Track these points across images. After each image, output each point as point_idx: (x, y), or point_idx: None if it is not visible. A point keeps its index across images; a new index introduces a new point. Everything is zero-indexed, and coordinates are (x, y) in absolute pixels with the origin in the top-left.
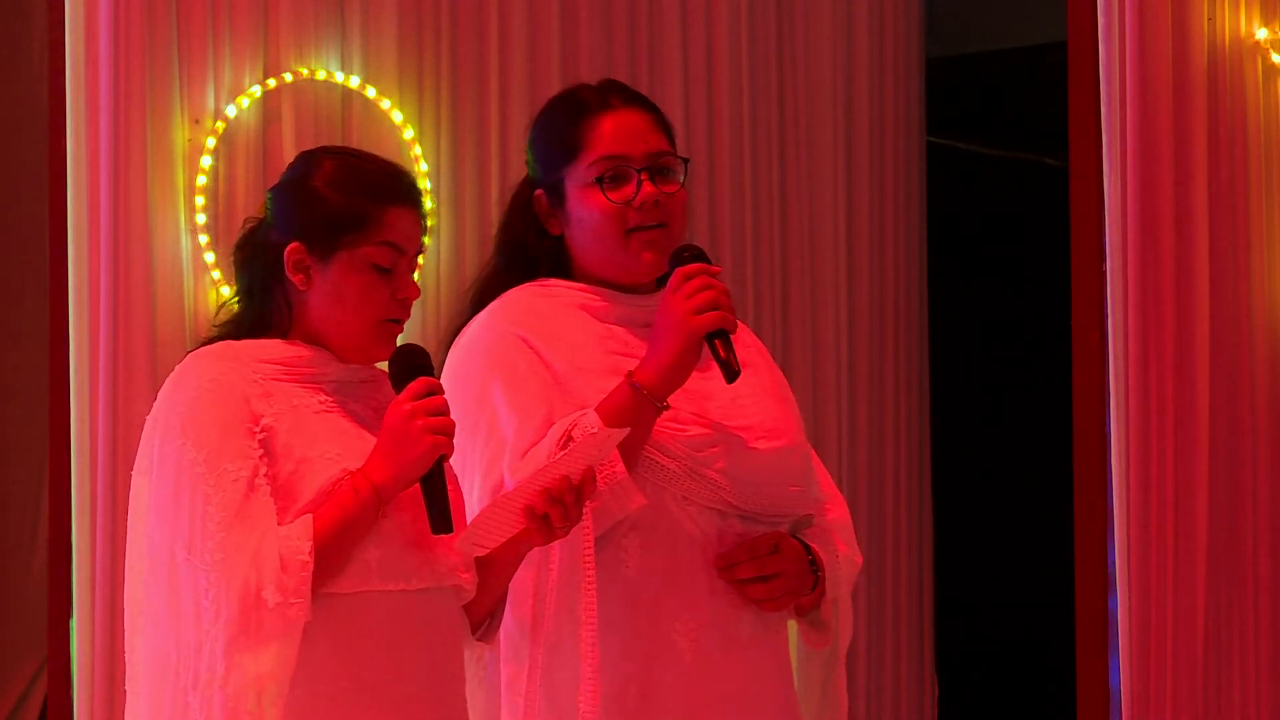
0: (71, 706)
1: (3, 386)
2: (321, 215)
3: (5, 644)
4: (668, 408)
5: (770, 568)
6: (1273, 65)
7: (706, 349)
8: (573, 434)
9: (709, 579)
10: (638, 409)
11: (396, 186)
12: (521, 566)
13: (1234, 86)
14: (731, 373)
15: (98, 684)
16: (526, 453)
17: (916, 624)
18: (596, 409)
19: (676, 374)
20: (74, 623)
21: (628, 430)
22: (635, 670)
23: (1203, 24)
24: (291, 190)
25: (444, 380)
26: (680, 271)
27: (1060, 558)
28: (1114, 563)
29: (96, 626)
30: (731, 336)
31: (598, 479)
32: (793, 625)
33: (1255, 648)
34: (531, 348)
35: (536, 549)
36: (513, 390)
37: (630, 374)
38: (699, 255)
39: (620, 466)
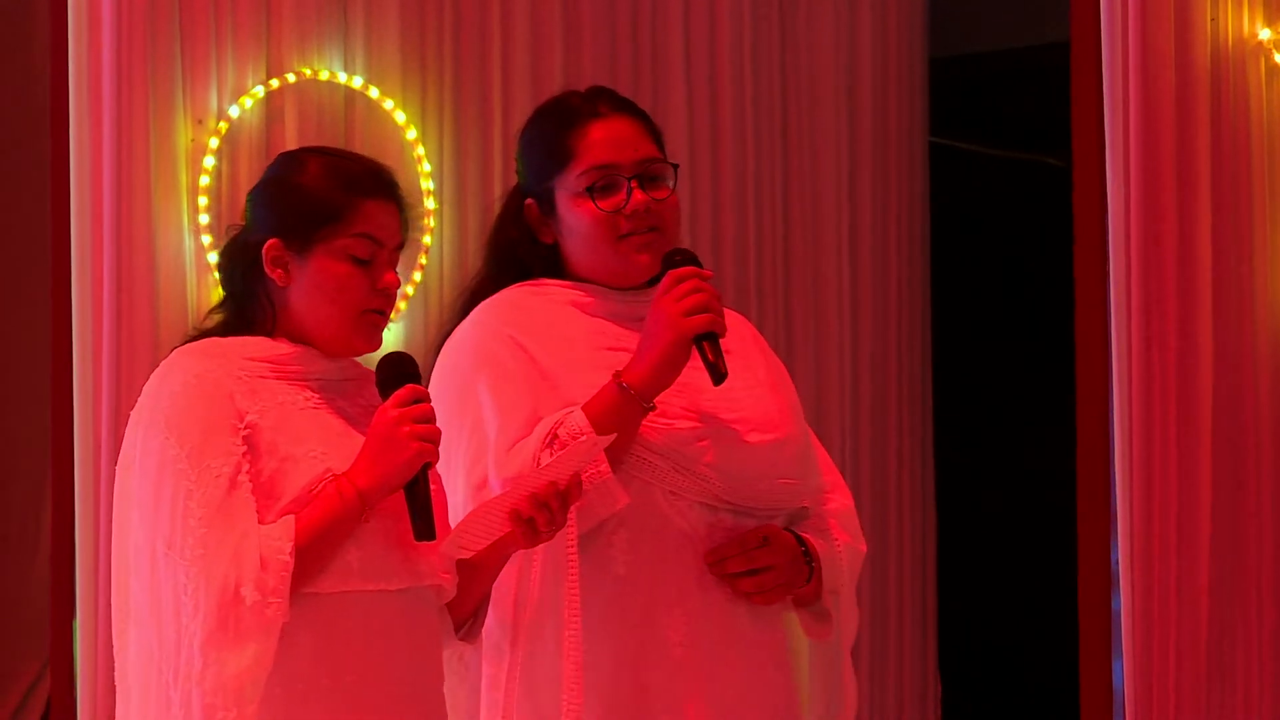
0: (74, 707)
1: (6, 387)
2: (297, 210)
3: (8, 644)
4: (654, 408)
5: (760, 561)
6: (1275, 65)
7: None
8: (558, 432)
9: (699, 574)
10: (625, 409)
11: (372, 180)
12: None
13: (1237, 86)
14: (719, 375)
15: (100, 684)
16: (511, 449)
17: (919, 623)
18: (584, 408)
19: (664, 374)
20: (77, 623)
21: (614, 436)
22: (627, 668)
23: (1205, 24)
24: (268, 189)
25: (433, 379)
26: (672, 274)
27: (1064, 557)
28: (1117, 562)
29: (99, 626)
30: (720, 339)
31: (582, 478)
32: (794, 618)
33: (1259, 648)
34: (519, 345)
35: None
36: (498, 387)
37: (618, 374)
38: (691, 259)
39: (605, 466)
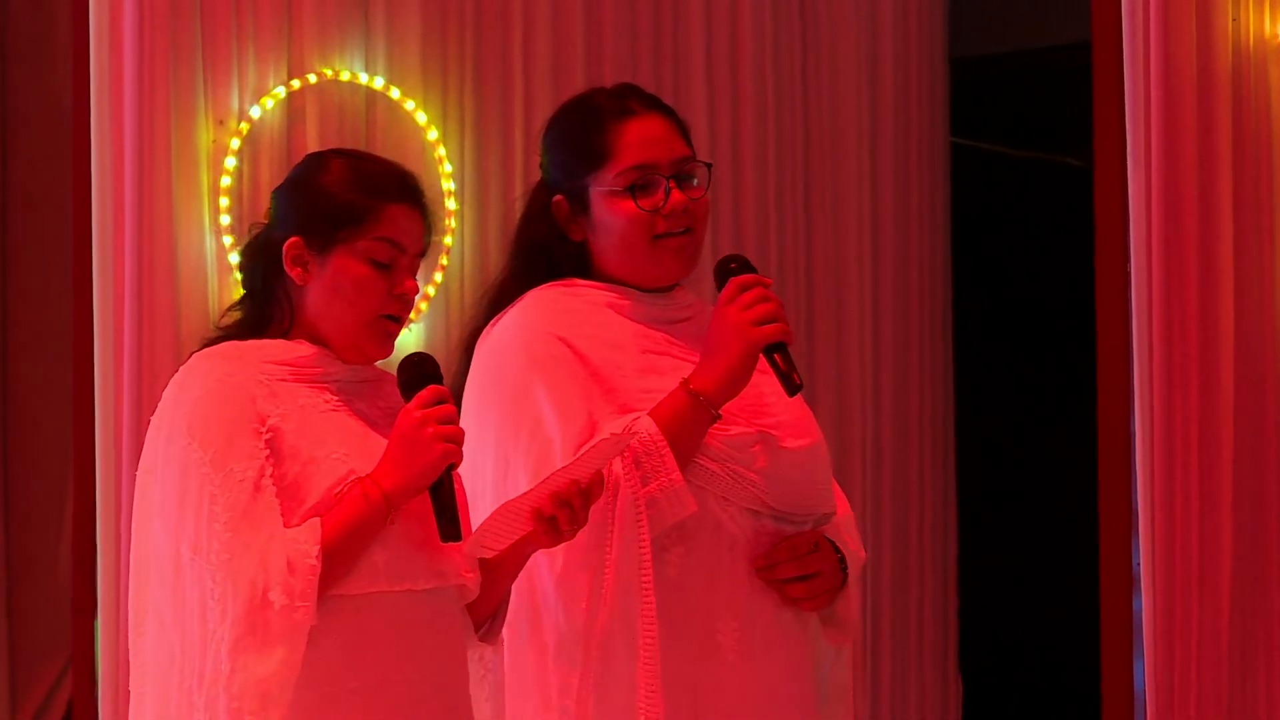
0: (96, 708)
1: (27, 388)
2: (320, 210)
3: (30, 643)
4: (720, 417)
5: (811, 566)
6: None
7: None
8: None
9: (749, 578)
10: (694, 416)
11: (398, 185)
12: (575, 570)
13: (1258, 86)
14: (793, 386)
15: (122, 685)
16: (577, 452)
17: (940, 623)
18: (651, 414)
19: (734, 383)
20: (98, 622)
21: (634, 438)
22: (682, 670)
23: (1227, 24)
24: (293, 188)
25: (476, 379)
26: (736, 282)
27: (1085, 557)
28: (1139, 564)
29: (121, 627)
30: (789, 348)
31: (653, 486)
32: (815, 621)
33: None
34: (570, 347)
35: (593, 552)
36: (554, 390)
37: (686, 381)
38: (747, 265)
39: (677, 474)
